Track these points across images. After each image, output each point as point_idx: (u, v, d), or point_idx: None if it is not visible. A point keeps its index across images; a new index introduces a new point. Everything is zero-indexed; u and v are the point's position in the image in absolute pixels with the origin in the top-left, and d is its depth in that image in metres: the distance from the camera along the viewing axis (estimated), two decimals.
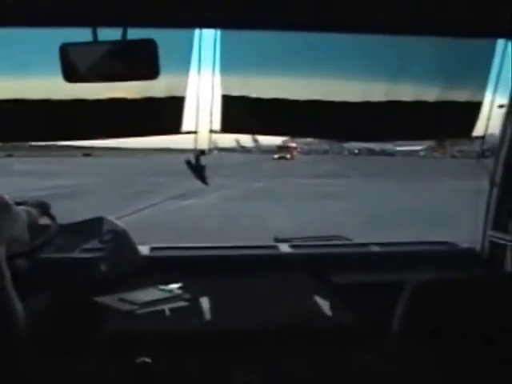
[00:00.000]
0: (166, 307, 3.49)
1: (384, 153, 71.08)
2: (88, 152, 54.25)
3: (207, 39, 3.96)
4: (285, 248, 4.77)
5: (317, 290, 3.91)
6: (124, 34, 3.63)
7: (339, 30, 3.93)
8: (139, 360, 2.64)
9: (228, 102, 4.15)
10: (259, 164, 53.81)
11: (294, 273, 4.30)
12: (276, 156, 68.65)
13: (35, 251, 3.74)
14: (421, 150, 69.81)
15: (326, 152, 78.56)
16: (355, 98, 4.31)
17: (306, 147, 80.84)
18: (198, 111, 4.17)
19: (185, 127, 4.22)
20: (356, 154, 73.86)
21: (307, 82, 4.26)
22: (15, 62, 4.06)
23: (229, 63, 4.08)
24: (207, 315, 3.45)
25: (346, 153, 78.07)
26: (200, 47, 3.95)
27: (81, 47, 3.68)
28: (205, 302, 3.61)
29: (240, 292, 3.89)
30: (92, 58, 3.67)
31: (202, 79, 4.10)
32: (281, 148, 69.39)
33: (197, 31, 3.91)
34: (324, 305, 3.65)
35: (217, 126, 4.23)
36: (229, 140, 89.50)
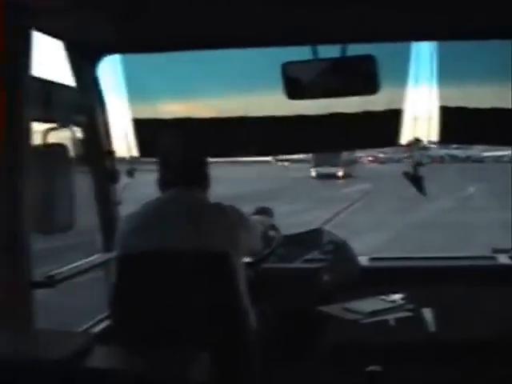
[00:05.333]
0: (390, 317, 3.52)
1: (470, 159, 64.53)
2: None
3: (424, 51, 3.99)
4: (504, 259, 4.67)
5: None
6: (343, 50, 3.72)
7: None
8: (369, 368, 2.71)
9: (446, 112, 4.14)
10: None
11: None
12: (313, 173, 41.75)
13: (263, 261, 3.91)
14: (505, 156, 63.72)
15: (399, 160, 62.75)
16: None
17: (381, 155, 60.86)
18: (415, 123, 4.19)
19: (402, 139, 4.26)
20: (440, 162, 65.62)
21: None
22: (239, 82, 4.28)
23: (446, 75, 4.07)
24: (431, 327, 3.45)
25: (427, 161, 68.60)
26: (418, 59, 3.98)
27: (301, 65, 3.82)
28: (427, 313, 3.61)
29: (461, 303, 3.86)
30: (312, 75, 3.79)
31: (419, 91, 4.14)
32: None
33: (414, 44, 3.95)
34: None
35: (433, 136, 4.23)
36: None
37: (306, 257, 4.30)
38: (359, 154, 50.02)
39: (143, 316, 3.19)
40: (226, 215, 3.37)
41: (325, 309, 3.71)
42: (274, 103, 4.21)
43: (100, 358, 2.23)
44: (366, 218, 22.29)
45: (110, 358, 2.33)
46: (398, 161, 46.15)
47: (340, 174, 40.85)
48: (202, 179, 3.49)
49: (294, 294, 3.98)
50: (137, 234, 3.32)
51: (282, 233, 4.12)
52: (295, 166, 47.12)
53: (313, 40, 3.75)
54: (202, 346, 2.31)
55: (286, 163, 55.29)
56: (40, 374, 2.12)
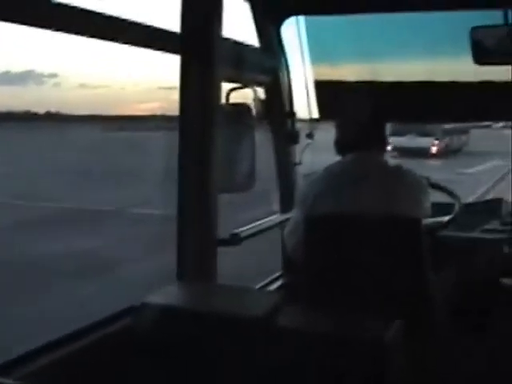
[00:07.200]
0: None
1: None
2: None
3: None
4: None
5: None
6: None
7: None
8: None
9: None
10: None
11: None
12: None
13: (443, 228, 3.84)
14: None
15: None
16: None
17: None
18: None
19: None
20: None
21: None
22: (422, 45, 4.19)
23: None
24: None
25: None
26: None
27: (491, 30, 3.71)
28: None
29: None
30: (502, 40, 3.67)
31: None
32: None
33: None
34: None
35: None
36: None
37: (486, 227, 4.19)
38: None
39: (328, 277, 3.21)
40: (409, 178, 3.40)
41: (505, 281, 3.62)
42: (454, 68, 4.12)
43: (288, 318, 2.26)
44: None
45: (300, 317, 2.36)
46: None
47: (434, 149, 25.52)
48: (380, 142, 3.52)
49: (472, 264, 3.89)
50: (323, 197, 3.35)
51: (461, 200, 4.03)
52: None
53: (503, 4, 3.62)
54: (387, 311, 2.30)
55: None
56: (233, 329, 2.18)
